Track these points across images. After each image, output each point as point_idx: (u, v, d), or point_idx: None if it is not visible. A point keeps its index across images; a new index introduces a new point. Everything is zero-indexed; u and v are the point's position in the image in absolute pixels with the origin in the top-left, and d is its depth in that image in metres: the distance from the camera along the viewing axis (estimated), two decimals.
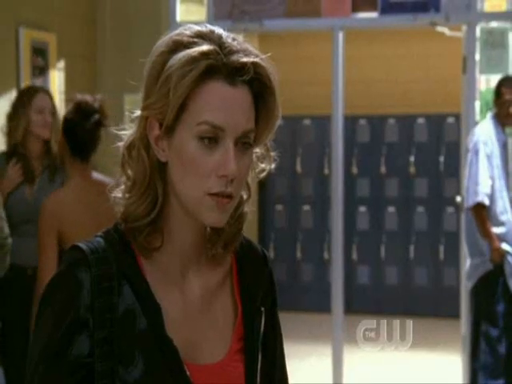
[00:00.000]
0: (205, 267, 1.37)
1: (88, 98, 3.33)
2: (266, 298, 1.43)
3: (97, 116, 3.27)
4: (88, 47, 6.36)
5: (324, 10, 5.01)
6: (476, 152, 4.72)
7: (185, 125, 1.27)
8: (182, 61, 1.25)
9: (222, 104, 1.26)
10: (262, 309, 1.41)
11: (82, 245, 1.29)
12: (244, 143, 1.28)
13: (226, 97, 1.26)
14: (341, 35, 4.98)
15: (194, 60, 1.25)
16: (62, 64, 5.92)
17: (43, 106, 4.06)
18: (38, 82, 5.45)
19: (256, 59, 1.28)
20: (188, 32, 1.29)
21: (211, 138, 1.26)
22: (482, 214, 4.68)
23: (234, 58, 1.26)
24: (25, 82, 5.35)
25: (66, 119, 3.31)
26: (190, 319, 1.34)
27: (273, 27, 5.17)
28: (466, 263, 4.86)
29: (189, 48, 1.26)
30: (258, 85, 1.29)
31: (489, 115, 4.93)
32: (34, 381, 1.27)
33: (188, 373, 1.29)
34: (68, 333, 1.25)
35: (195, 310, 1.35)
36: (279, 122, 1.34)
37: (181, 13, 5.25)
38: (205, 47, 1.26)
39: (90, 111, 3.27)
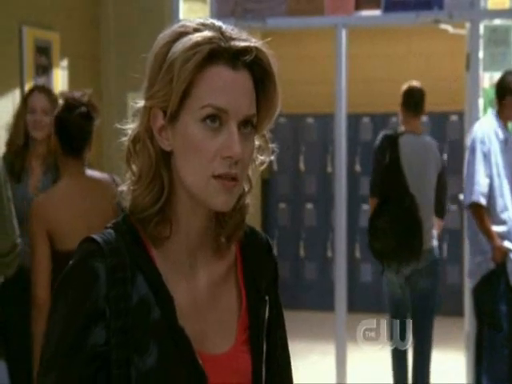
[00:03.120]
0: (211, 258, 1.39)
1: (76, 93, 3.31)
2: (270, 286, 1.45)
3: (83, 108, 3.23)
4: (91, 46, 6.36)
5: (327, 8, 5.01)
6: (473, 151, 4.65)
7: (189, 110, 1.29)
8: (185, 46, 1.28)
9: (225, 87, 1.28)
10: (267, 298, 1.43)
11: (95, 236, 1.31)
12: (246, 127, 1.31)
13: (229, 80, 1.29)
14: (344, 33, 4.98)
15: (197, 44, 1.27)
16: (65, 63, 5.92)
17: (35, 106, 3.99)
18: (42, 81, 5.44)
19: (257, 44, 1.31)
20: (190, 23, 1.32)
21: (215, 121, 1.28)
22: (480, 212, 4.62)
23: (236, 42, 1.30)
24: (28, 81, 5.35)
25: (56, 117, 3.29)
26: (198, 309, 1.36)
27: (275, 25, 5.16)
28: (469, 261, 4.84)
29: (192, 35, 1.29)
30: (258, 70, 1.32)
31: (490, 111, 4.87)
32: (52, 373, 1.27)
33: (200, 361, 1.31)
34: (85, 323, 1.27)
35: (202, 300, 1.37)
36: (279, 109, 1.36)
37: (184, 11, 5.26)
38: (207, 33, 1.29)
39: (76, 105, 3.24)
